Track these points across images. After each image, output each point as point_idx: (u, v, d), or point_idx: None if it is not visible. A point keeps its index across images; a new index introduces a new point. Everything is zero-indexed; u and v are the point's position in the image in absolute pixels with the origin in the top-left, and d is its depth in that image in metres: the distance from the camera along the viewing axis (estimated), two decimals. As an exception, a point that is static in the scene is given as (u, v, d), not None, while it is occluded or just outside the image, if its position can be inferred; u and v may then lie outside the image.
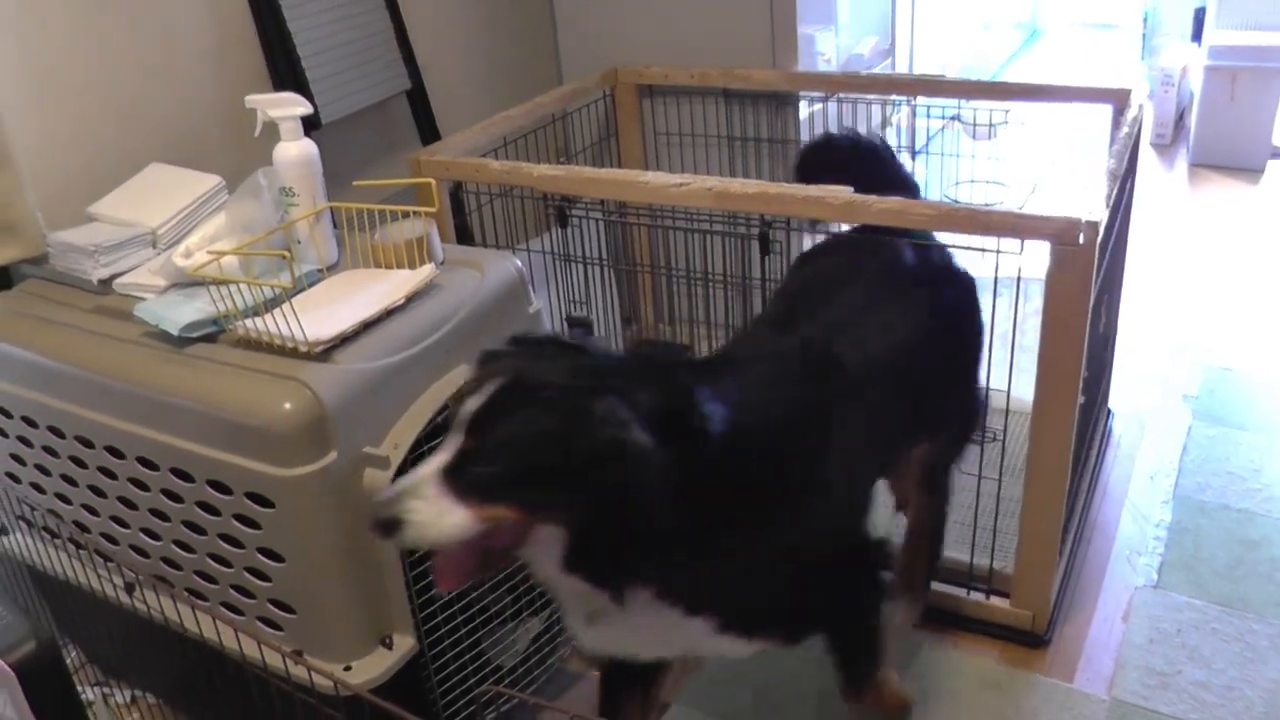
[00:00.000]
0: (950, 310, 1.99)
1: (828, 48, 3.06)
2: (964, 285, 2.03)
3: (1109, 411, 2.91)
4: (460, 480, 1.29)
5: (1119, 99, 2.49)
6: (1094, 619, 2.27)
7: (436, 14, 2.82)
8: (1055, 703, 2.07)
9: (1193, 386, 3.11)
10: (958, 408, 2.10)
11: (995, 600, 2.21)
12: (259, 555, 1.66)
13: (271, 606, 1.70)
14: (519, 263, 1.88)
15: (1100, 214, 1.87)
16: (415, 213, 1.86)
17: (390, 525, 1.29)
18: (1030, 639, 2.19)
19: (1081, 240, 1.82)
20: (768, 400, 1.58)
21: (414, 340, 1.69)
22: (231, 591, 1.74)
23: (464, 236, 2.49)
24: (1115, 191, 2.06)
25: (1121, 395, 3.04)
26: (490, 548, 1.34)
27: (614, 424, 1.31)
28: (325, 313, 1.70)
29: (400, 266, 1.83)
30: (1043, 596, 2.16)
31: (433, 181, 1.88)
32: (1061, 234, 1.82)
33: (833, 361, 1.69)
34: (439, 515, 1.28)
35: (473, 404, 1.33)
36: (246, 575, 1.70)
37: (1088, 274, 1.85)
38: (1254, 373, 3.18)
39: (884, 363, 1.76)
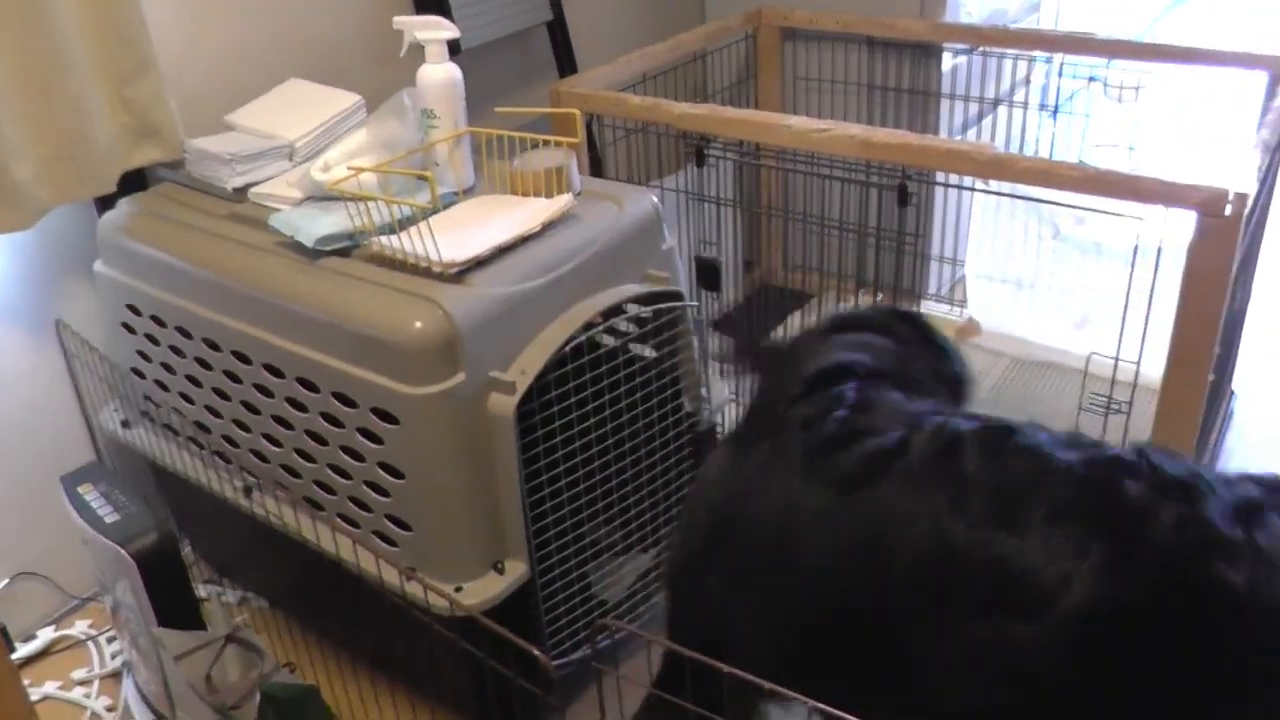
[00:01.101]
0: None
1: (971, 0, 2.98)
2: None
3: (1232, 392, 2.82)
4: None
5: (1275, 66, 2.39)
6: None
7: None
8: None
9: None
10: None
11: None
12: (379, 470, 1.68)
13: (388, 522, 1.72)
14: (654, 198, 1.87)
15: (1249, 186, 1.80)
16: (556, 142, 1.86)
17: None
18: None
19: (1228, 212, 1.75)
20: None
21: (547, 268, 1.68)
22: (349, 503, 1.77)
23: (596, 170, 2.49)
24: (1269, 163, 1.98)
25: (1247, 376, 2.94)
26: None
27: None
28: (460, 235, 1.70)
29: (537, 195, 1.82)
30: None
31: (576, 112, 1.87)
32: (1208, 204, 1.76)
33: None
34: None
35: None
36: (365, 489, 1.72)
37: (1231, 247, 1.78)
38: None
39: None
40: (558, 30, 2.73)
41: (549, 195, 1.81)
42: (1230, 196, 1.76)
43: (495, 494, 1.66)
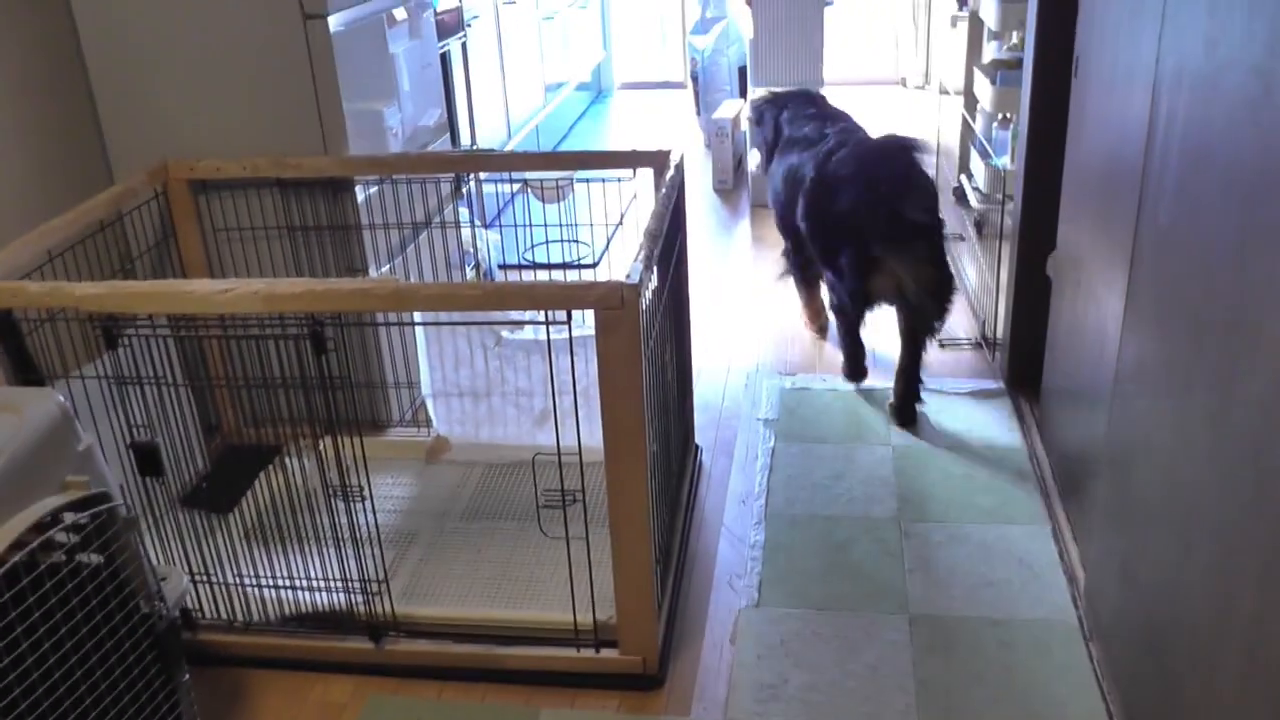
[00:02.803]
0: None
1: (393, 122, 3.07)
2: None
3: (697, 447, 3.07)
4: None
5: (658, 161, 2.64)
6: (704, 648, 2.38)
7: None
8: (675, 739, 2.15)
9: (771, 409, 3.32)
10: None
11: (606, 652, 2.27)
12: None
13: None
14: (61, 398, 1.76)
15: (640, 276, 1.97)
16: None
17: None
18: (646, 682, 2.27)
19: (624, 304, 1.91)
20: None
21: (-56, 506, 1.54)
22: None
23: (23, 364, 2.31)
24: (656, 250, 2.18)
25: (707, 429, 3.22)
26: None
27: None
28: None
29: (-75, 425, 1.67)
30: (649, 639, 2.24)
31: (-55, 327, 1.73)
32: (604, 299, 1.91)
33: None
34: None
35: None
36: None
37: (634, 333, 1.94)
38: (825, 388, 3.45)
39: None
40: (-53, 220, 2.52)
41: (-63, 424, 1.66)
42: (624, 289, 1.92)
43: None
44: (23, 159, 2.69)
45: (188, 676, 1.87)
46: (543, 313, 1.99)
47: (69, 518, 1.66)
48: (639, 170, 2.76)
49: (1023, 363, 3.28)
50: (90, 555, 1.69)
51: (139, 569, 1.77)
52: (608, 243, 3.98)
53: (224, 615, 2.36)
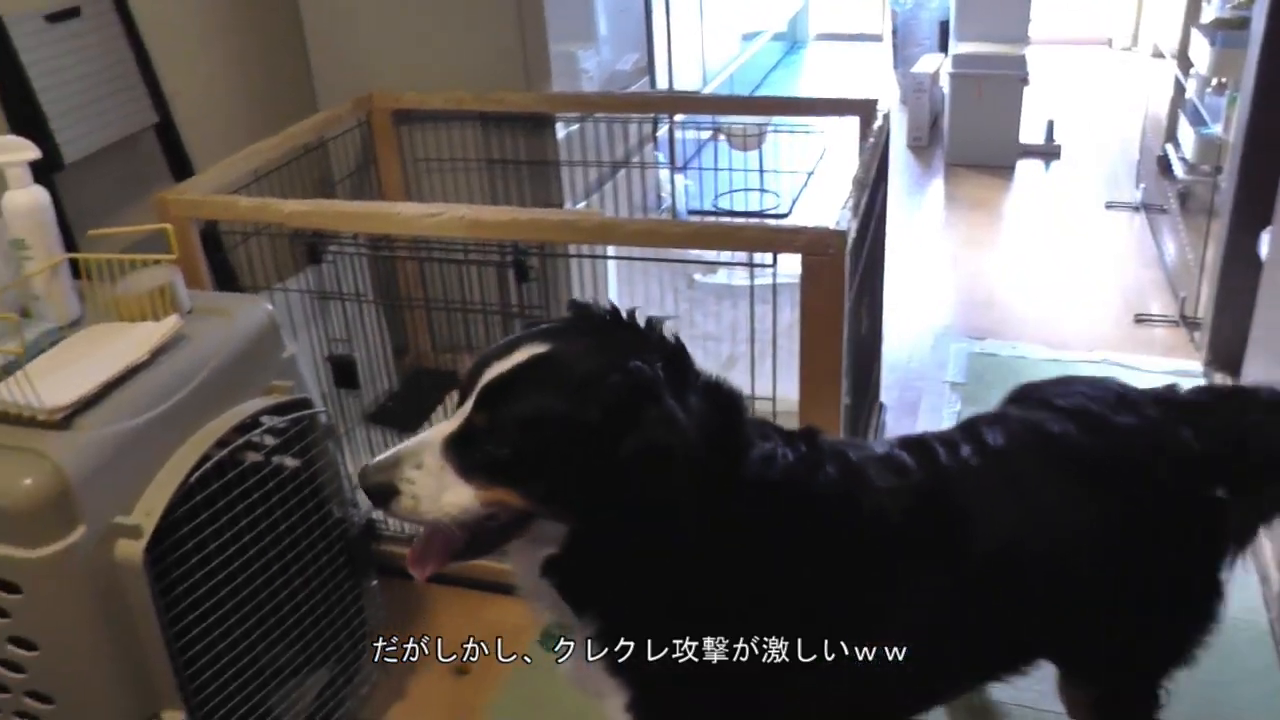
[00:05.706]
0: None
1: (590, 64, 3.06)
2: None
3: (881, 405, 3.01)
4: (467, 455, 1.18)
5: (864, 110, 2.57)
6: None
7: (181, 41, 2.66)
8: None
9: (958, 373, 3.24)
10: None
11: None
12: (10, 646, 1.54)
13: (27, 699, 1.58)
14: (269, 306, 1.81)
15: (847, 223, 1.92)
16: (158, 260, 1.77)
17: (384, 493, 1.17)
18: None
19: (831, 250, 1.86)
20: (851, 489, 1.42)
21: (161, 398, 1.60)
22: (-17, 688, 1.61)
23: (225, 276, 2.39)
24: (863, 199, 2.12)
25: (892, 388, 3.15)
26: (481, 534, 1.22)
27: (668, 429, 1.18)
28: (65, 375, 1.60)
29: (145, 319, 1.74)
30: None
31: (169, 227, 1.79)
32: (811, 245, 1.86)
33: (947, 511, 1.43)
34: (439, 490, 1.17)
35: (493, 373, 1.20)
36: (-1, 669, 1.58)
37: (839, 281, 1.89)
38: (1013, 355, 3.34)
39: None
40: (167, 132, 2.61)
41: (156, 318, 1.73)
42: (831, 235, 1.87)
43: (140, 645, 1.56)
44: (234, 86, 2.80)
45: (375, 582, 1.92)
46: (743, 255, 1.96)
47: (269, 421, 1.72)
48: (842, 119, 2.70)
49: (1226, 345, 3.11)
50: (289, 459, 1.75)
51: (334, 475, 1.82)
52: (798, 194, 3.92)
53: (407, 530, 2.41)
